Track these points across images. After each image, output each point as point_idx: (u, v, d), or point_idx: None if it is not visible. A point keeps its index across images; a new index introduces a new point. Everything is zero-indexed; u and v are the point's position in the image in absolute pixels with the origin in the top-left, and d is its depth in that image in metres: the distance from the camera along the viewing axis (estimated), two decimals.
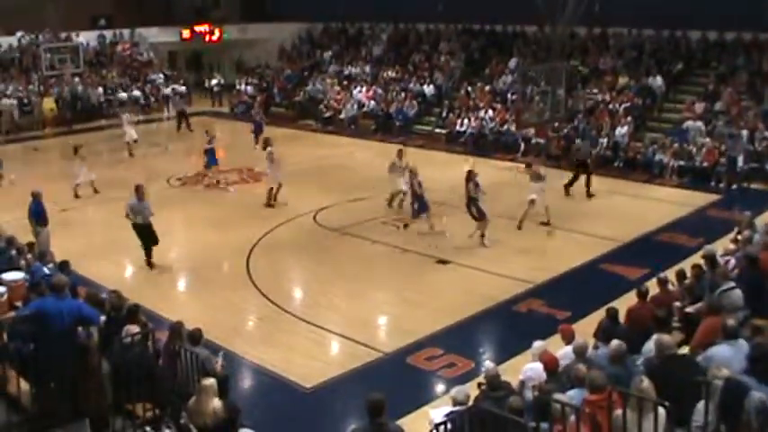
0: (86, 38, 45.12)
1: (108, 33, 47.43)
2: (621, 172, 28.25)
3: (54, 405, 9.33)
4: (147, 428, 9.88)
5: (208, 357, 11.06)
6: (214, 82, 45.16)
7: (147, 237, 19.58)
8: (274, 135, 35.22)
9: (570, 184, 25.22)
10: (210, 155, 27.61)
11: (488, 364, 11.13)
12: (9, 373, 9.56)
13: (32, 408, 9.32)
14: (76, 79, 41.77)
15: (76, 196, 25.97)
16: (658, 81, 31.67)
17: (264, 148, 25.50)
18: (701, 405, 7.89)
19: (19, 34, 43.74)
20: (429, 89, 38.07)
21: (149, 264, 19.70)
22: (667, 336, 9.73)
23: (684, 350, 10.63)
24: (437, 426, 8.42)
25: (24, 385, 9.39)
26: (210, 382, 9.71)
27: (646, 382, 7.90)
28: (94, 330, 9.84)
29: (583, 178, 25.21)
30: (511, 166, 29.17)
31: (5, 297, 11.63)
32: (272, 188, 24.80)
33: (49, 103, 39.83)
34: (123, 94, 42.67)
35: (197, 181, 28.02)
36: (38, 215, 19.16)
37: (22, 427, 9.12)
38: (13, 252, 14.70)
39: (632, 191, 26.02)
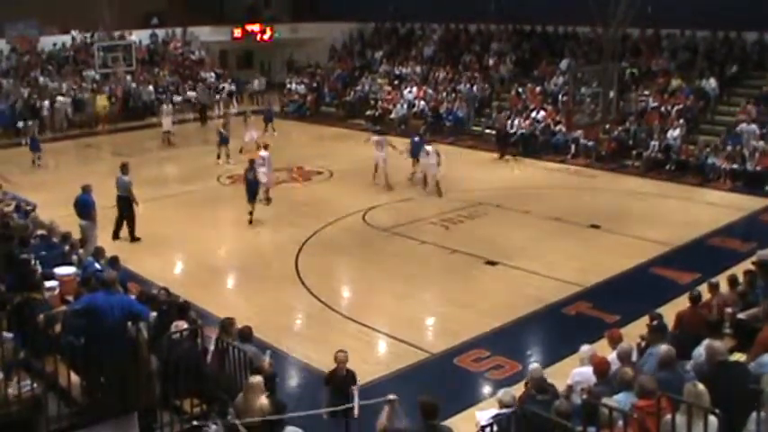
0: (139, 36, 45.69)
1: (160, 32, 47.94)
2: (673, 175, 27.92)
3: (103, 398, 9.42)
4: (195, 423, 9.94)
5: (256, 355, 11.12)
6: (256, 83, 45.19)
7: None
8: (324, 134, 35.58)
9: None
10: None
11: (534, 366, 11.02)
12: (60, 366, 9.67)
13: (82, 400, 9.41)
14: (129, 77, 42.29)
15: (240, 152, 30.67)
16: (712, 83, 31.25)
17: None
18: (754, 414, 7.75)
19: (73, 33, 44.40)
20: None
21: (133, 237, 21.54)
22: (719, 341, 9.55)
23: (736, 357, 10.46)
24: (483, 428, 8.37)
25: (75, 378, 9.49)
26: (258, 379, 9.75)
27: (700, 386, 7.77)
28: (144, 325, 9.92)
29: None
30: (560, 167, 29.17)
31: (57, 291, 11.75)
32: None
33: (102, 101, 40.29)
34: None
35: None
36: (82, 207, 19.37)
37: (73, 419, 9.22)
38: (67, 247, 14.89)
39: (684, 194, 25.73)
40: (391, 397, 9.23)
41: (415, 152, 26.93)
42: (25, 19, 41.18)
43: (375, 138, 27.12)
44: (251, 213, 22.98)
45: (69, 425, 9.17)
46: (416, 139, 27.50)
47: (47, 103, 38.39)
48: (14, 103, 37.84)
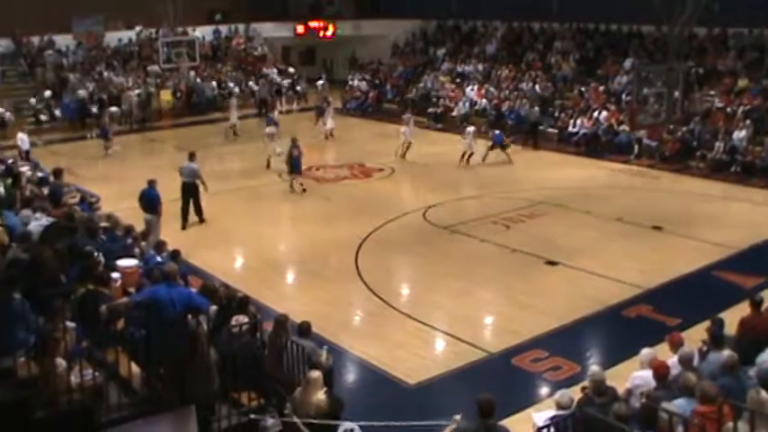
0: (202, 32, 46.16)
1: (224, 28, 48.43)
2: (739, 177, 27.36)
3: (163, 390, 9.54)
4: (252, 417, 10.01)
5: (313, 349, 11.17)
6: (320, 83, 44.94)
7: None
8: (386, 131, 35.59)
9: None
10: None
11: (595, 368, 10.88)
12: (121, 356, 9.81)
13: (142, 391, 9.54)
14: (192, 73, 42.75)
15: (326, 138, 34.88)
16: None
17: None
18: None
19: (138, 28, 45.08)
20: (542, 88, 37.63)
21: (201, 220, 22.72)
22: None
23: None
24: (540, 429, 8.33)
25: (135, 369, 9.62)
26: (317, 374, 9.81)
27: (764, 393, 7.63)
28: (204, 319, 10.01)
29: None
30: (623, 168, 28.87)
31: (119, 283, 11.92)
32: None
33: (166, 96, 40.81)
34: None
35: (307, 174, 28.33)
36: (148, 201, 19.68)
37: (132, 409, 9.34)
38: (129, 240, 15.07)
39: (750, 196, 25.19)
40: (457, 417, 9.14)
41: (497, 140, 30.11)
42: (92, 15, 41.90)
43: (407, 115, 31.76)
44: (300, 183, 25.83)
45: (129, 414, 9.30)
46: (497, 132, 31.03)
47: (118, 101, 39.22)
48: (82, 97, 38.48)
